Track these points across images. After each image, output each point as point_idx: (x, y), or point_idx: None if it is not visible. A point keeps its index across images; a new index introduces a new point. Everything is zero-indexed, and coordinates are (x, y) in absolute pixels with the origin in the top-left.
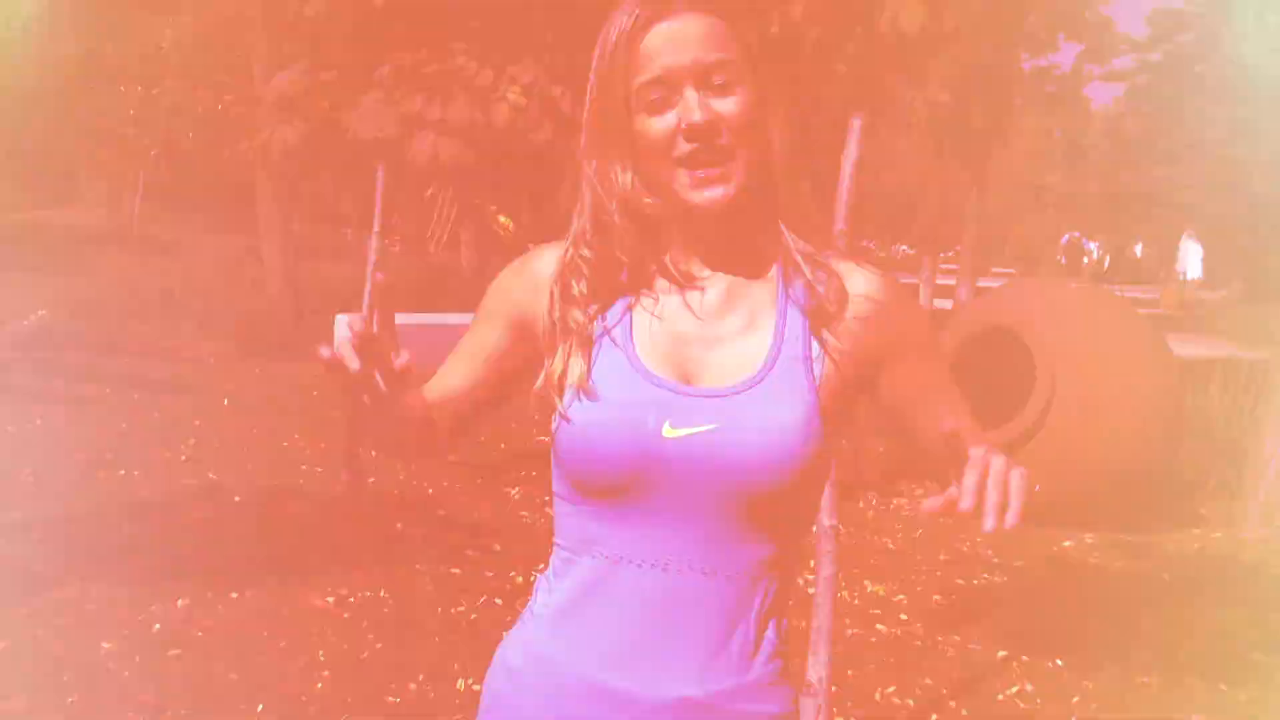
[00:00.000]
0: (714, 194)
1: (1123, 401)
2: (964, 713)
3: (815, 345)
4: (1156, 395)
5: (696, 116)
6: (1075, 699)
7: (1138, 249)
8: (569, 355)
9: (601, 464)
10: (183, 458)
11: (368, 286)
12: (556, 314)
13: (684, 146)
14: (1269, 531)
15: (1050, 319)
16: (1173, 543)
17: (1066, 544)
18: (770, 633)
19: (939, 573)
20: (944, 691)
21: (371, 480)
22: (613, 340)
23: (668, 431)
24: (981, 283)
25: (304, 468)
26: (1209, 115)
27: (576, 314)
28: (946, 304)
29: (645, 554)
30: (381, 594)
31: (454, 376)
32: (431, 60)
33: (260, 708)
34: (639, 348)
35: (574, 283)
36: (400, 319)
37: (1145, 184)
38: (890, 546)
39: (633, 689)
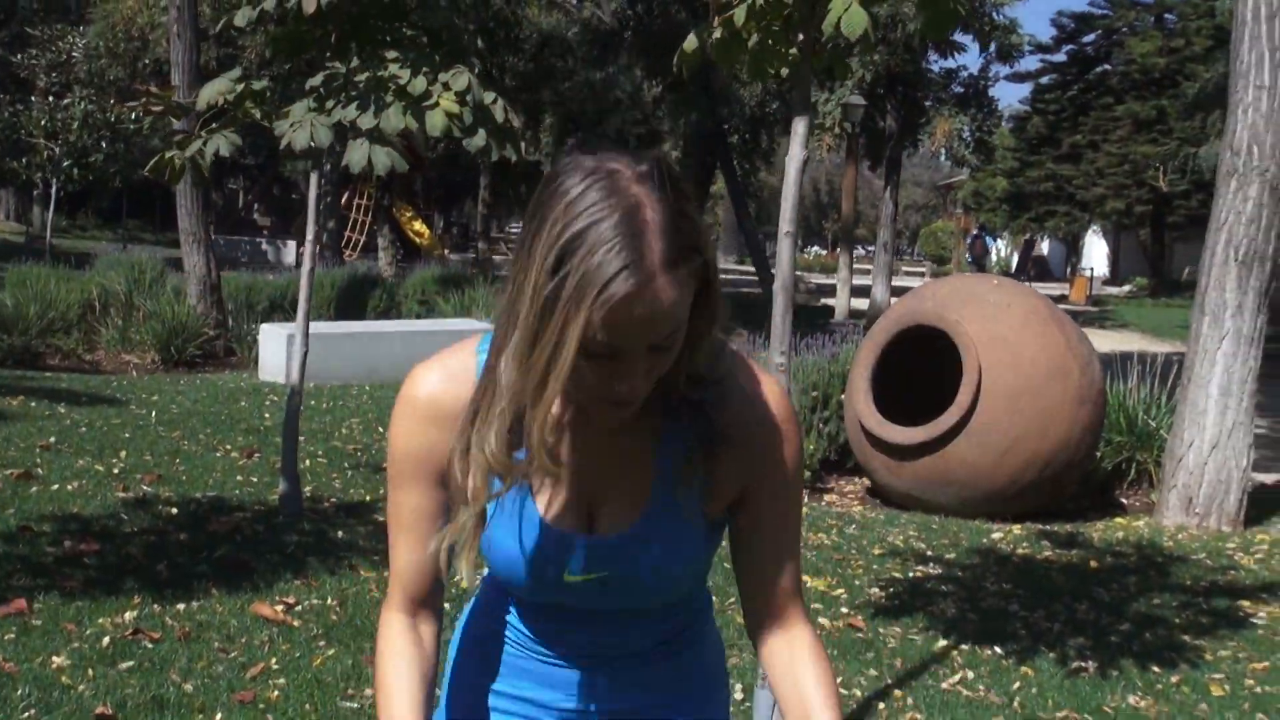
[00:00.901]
0: (617, 419)
1: (1046, 394)
2: (910, 701)
3: (697, 474)
4: (1078, 387)
5: (628, 394)
6: (1016, 685)
7: (1044, 246)
8: (475, 499)
9: (514, 590)
10: (115, 470)
11: (304, 293)
12: (458, 467)
13: (609, 395)
14: (1188, 519)
15: (975, 314)
16: (1097, 532)
17: (995, 535)
18: (693, 653)
19: (875, 566)
20: (889, 682)
21: (308, 489)
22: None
23: (568, 578)
24: (895, 281)
25: (239, 478)
26: (1112, 114)
27: (479, 473)
28: (863, 303)
29: (566, 627)
30: (329, 601)
31: (409, 554)
32: (364, 68)
33: (219, 717)
34: (538, 494)
35: (475, 429)
36: (318, 328)
37: (1051, 182)
38: (826, 542)
39: (571, 706)
